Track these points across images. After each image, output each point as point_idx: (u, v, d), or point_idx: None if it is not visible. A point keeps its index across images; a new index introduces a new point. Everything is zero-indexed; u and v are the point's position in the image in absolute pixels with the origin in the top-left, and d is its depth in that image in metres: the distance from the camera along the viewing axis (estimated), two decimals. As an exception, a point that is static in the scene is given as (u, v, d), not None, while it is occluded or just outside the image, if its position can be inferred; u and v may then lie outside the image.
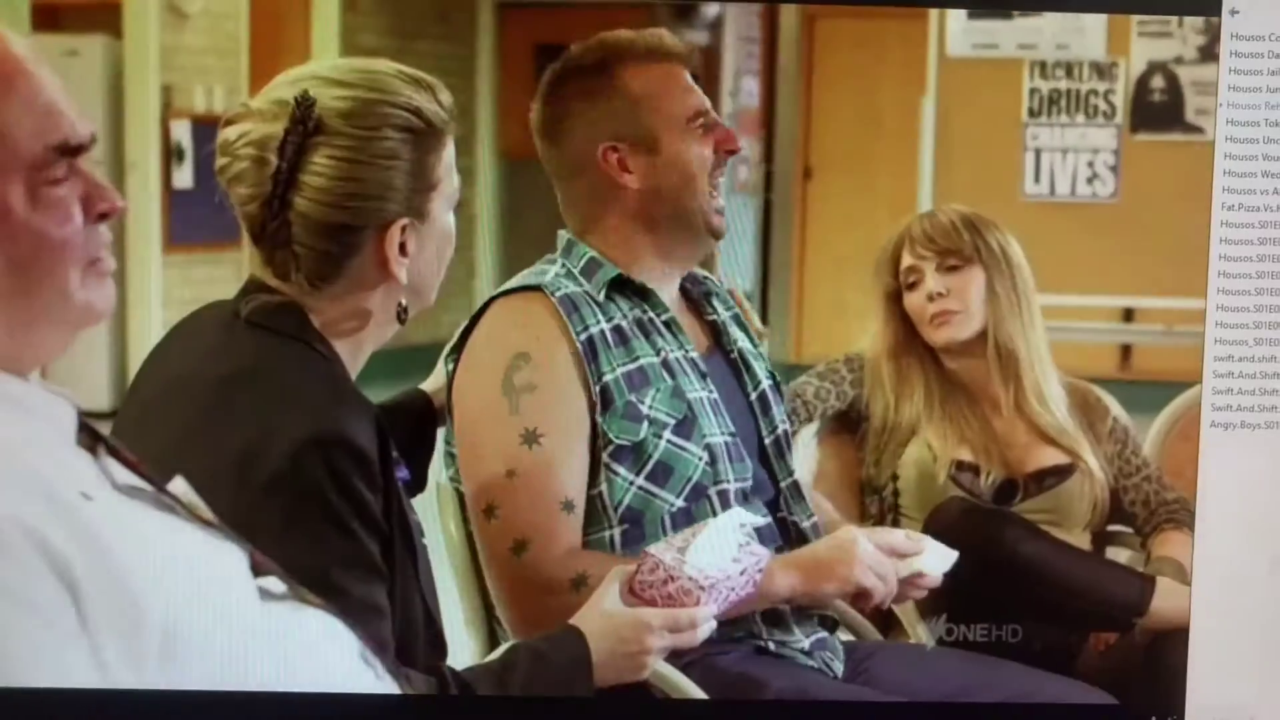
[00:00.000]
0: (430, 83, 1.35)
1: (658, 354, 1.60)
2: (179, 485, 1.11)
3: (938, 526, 1.84)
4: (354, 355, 1.36)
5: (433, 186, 1.35)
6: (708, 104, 1.63)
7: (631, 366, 1.57)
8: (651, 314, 1.62)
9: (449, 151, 1.36)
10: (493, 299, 1.60)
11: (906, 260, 1.94)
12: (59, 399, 1.04)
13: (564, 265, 1.63)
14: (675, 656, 1.51)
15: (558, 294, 1.58)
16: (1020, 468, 1.91)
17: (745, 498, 1.61)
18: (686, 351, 1.62)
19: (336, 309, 1.34)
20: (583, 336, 1.56)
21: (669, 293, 1.66)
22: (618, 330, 1.59)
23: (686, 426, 1.58)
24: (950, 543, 1.74)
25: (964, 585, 1.77)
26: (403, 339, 1.43)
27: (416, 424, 1.62)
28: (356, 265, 1.32)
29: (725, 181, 1.66)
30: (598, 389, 1.55)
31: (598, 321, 1.58)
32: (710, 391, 1.62)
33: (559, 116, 1.64)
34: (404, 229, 1.33)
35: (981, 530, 1.85)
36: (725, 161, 1.64)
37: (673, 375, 1.59)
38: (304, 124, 1.28)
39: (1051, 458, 1.92)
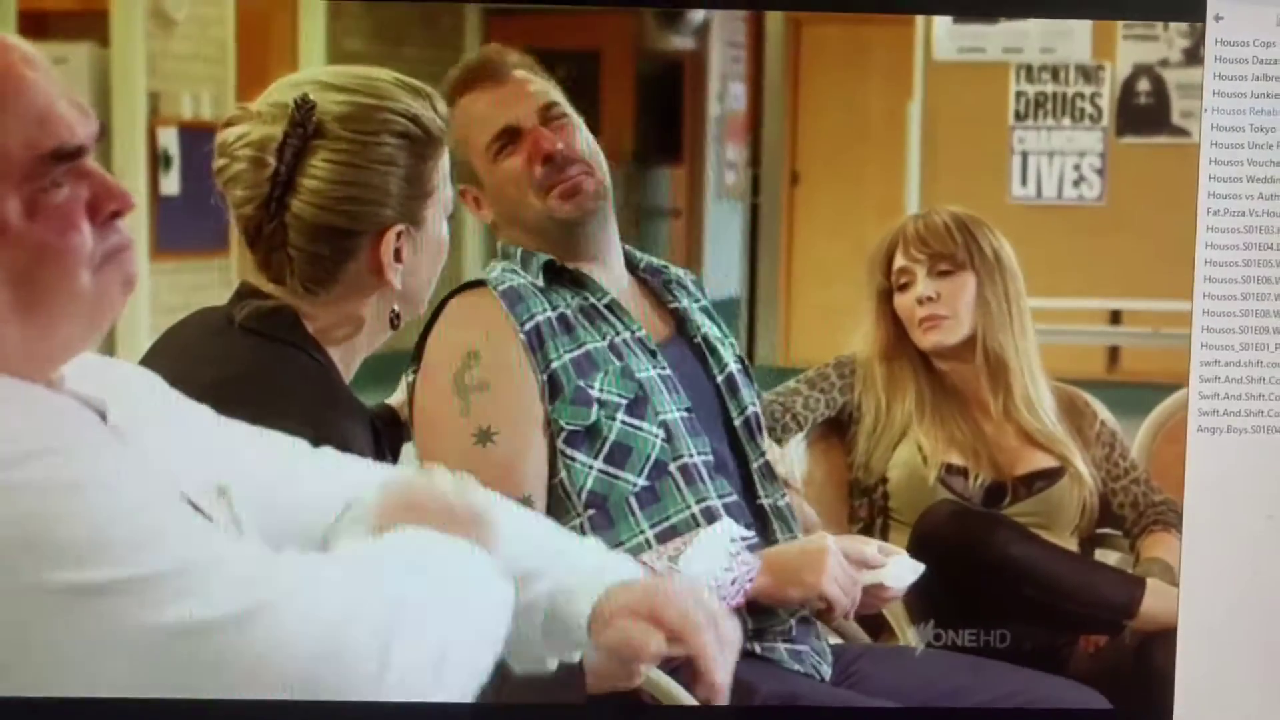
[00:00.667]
0: (428, 92, 1.36)
1: (603, 338, 1.62)
2: (205, 495, 1.10)
3: (926, 528, 1.84)
4: (347, 359, 1.37)
5: (429, 194, 1.35)
6: (514, 118, 1.65)
7: (578, 353, 1.60)
8: (593, 299, 1.63)
9: (445, 160, 1.37)
10: (442, 301, 1.62)
11: (899, 261, 1.95)
12: (85, 409, 1.04)
13: (509, 263, 1.67)
14: (663, 662, 1.51)
15: (501, 287, 1.60)
16: (1009, 471, 1.92)
17: (711, 473, 1.61)
18: (634, 332, 1.64)
19: (330, 314, 1.34)
20: (528, 326, 1.58)
21: (611, 277, 1.68)
22: (562, 319, 1.62)
23: (639, 406, 1.59)
24: (940, 544, 1.74)
25: (953, 587, 1.77)
26: (394, 344, 1.43)
27: (384, 438, 1.62)
28: (352, 270, 1.33)
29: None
30: (545, 377, 1.57)
31: (543, 310, 1.60)
32: (662, 369, 1.64)
33: None
34: (399, 235, 1.33)
35: (970, 532, 1.85)
36: (550, 165, 1.65)
37: (620, 357, 1.61)
38: (303, 126, 1.29)
39: (1041, 461, 1.92)
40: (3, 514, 0.90)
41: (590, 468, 1.57)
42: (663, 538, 1.53)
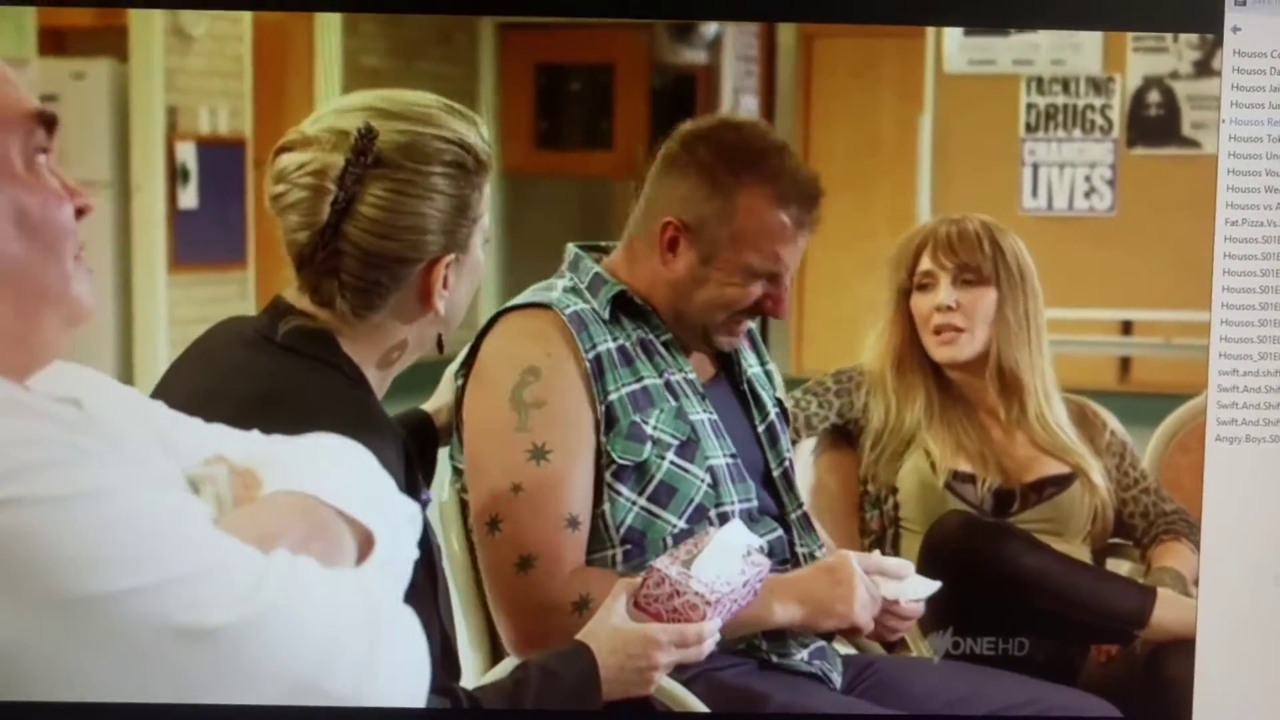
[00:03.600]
0: (474, 117, 1.35)
1: (660, 375, 1.60)
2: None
3: (937, 539, 1.84)
4: (381, 380, 1.37)
5: (476, 220, 1.36)
6: (787, 269, 1.60)
7: (636, 387, 1.58)
8: (652, 335, 1.62)
9: (487, 186, 1.38)
10: (500, 313, 1.60)
11: (925, 263, 1.93)
12: (66, 407, 1.04)
13: (571, 280, 1.63)
14: (677, 671, 1.52)
15: (567, 311, 1.58)
16: (1020, 477, 1.91)
17: (752, 518, 1.61)
18: (686, 374, 1.62)
19: (374, 338, 1.35)
20: (591, 355, 1.56)
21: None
22: (622, 350, 1.59)
23: (689, 448, 1.58)
24: (950, 555, 1.75)
25: (965, 597, 1.77)
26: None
27: (417, 444, 1.62)
28: (399, 297, 1.33)
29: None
30: (603, 408, 1.55)
31: (605, 340, 1.58)
32: (710, 413, 1.61)
33: (679, 163, 1.61)
34: (449, 264, 1.34)
35: (981, 542, 1.85)
36: (755, 318, 1.64)
37: (675, 396, 1.59)
38: (365, 155, 1.28)
39: (1051, 467, 1.91)
40: (7, 529, 0.89)
41: (633, 504, 1.54)
42: None
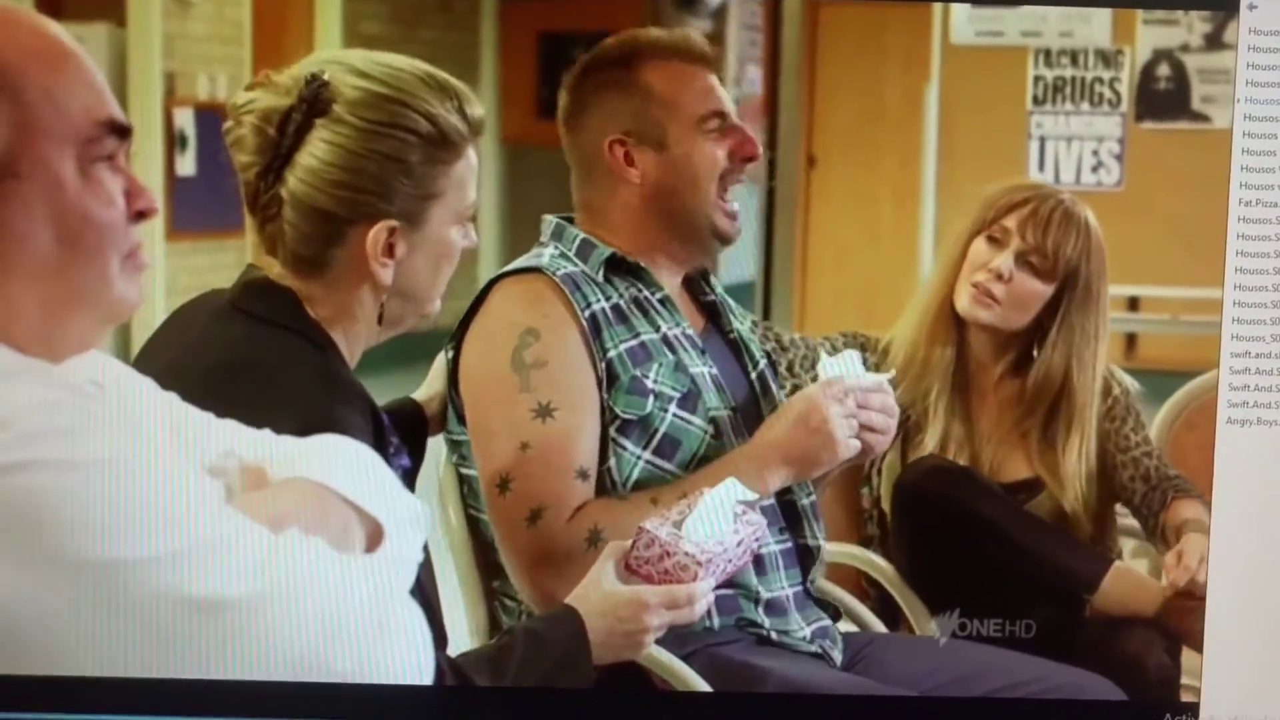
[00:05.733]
0: (458, 92, 1.34)
1: (657, 330, 1.62)
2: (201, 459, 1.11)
3: (907, 479, 1.85)
4: (351, 348, 1.36)
5: (433, 195, 1.34)
6: (728, 107, 1.64)
7: (633, 342, 1.60)
8: (646, 292, 1.64)
9: (463, 165, 1.36)
10: (492, 282, 1.61)
11: (1010, 221, 1.88)
12: (86, 382, 1.05)
13: (556, 248, 1.65)
14: (678, 646, 1.51)
15: (559, 273, 1.60)
16: (994, 475, 1.90)
17: None
18: (684, 329, 1.65)
19: (328, 298, 1.34)
20: (586, 313, 1.58)
21: (668, 277, 1.68)
22: (616, 309, 1.61)
23: (690, 400, 1.60)
24: (917, 495, 1.82)
25: (928, 540, 1.81)
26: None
27: (408, 433, 1.62)
28: (340, 257, 1.33)
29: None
30: (603, 365, 1.57)
31: (599, 300, 1.60)
32: (710, 367, 1.64)
33: (579, 107, 1.66)
34: (391, 231, 1.32)
35: (946, 486, 1.85)
36: (742, 167, 1.65)
37: (673, 350, 1.62)
38: (309, 103, 1.29)
39: (1023, 471, 1.91)
40: (25, 490, 0.91)
41: (638, 458, 1.57)
42: None
